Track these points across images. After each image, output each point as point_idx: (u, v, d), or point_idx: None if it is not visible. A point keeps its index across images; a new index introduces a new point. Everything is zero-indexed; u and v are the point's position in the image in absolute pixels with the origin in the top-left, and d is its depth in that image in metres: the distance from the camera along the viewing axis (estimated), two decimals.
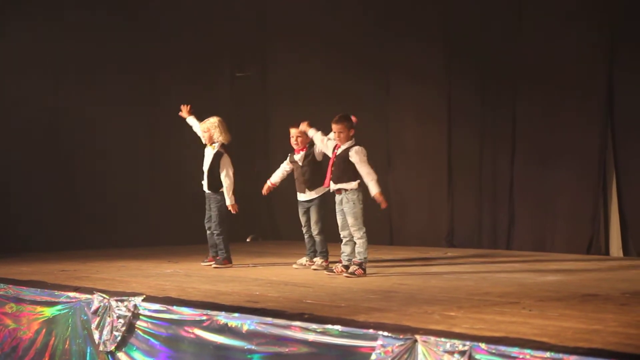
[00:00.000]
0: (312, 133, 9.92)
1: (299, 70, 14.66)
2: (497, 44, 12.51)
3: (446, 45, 13.08)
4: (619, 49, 11.33)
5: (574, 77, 11.70)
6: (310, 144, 10.17)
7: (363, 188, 9.42)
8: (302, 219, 10.33)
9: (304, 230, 10.33)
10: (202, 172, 10.65)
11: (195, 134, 10.92)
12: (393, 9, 13.67)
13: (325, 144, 9.75)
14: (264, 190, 10.72)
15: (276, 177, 10.59)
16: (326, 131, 9.84)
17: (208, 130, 10.57)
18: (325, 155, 9.97)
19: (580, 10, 11.62)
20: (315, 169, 10.17)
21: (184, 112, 11.01)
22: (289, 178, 10.56)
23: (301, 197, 10.30)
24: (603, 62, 11.43)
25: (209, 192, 10.60)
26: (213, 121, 10.60)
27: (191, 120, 10.96)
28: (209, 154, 10.60)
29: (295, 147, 10.29)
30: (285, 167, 10.49)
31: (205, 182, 10.61)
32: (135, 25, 14.18)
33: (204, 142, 10.69)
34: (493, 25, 12.57)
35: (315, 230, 10.16)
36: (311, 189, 10.20)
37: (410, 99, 13.57)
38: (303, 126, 9.98)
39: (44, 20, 13.24)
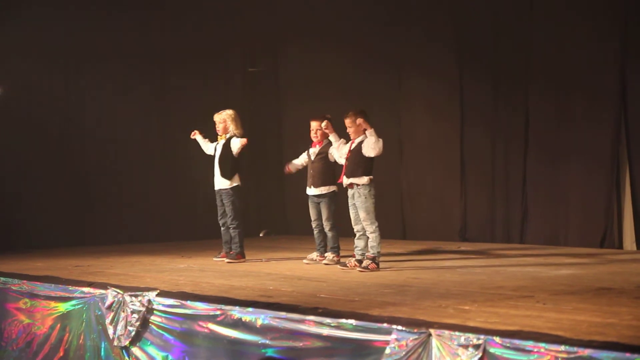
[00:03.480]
0: (332, 137, 9.89)
1: (311, 65, 14.65)
2: (509, 40, 12.48)
3: (458, 42, 13.06)
4: (631, 43, 11.28)
5: (587, 71, 11.65)
6: (328, 141, 10.16)
7: (375, 183, 9.42)
8: (312, 214, 10.33)
9: (314, 225, 10.34)
10: (213, 169, 10.65)
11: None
12: (405, 5, 13.65)
13: (340, 148, 9.76)
14: (285, 169, 10.66)
15: (295, 164, 10.57)
16: (338, 125, 9.85)
17: (224, 121, 10.59)
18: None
19: (592, 6, 11.58)
20: (324, 167, 10.18)
21: (196, 135, 10.97)
22: (301, 171, 10.57)
23: (308, 191, 10.32)
24: (615, 56, 11.38)
25: (220, 187, 10.58)
26: (230, 113, 10.63)
27: (199, 138, 10.94)
28: (219, 146, 10.62)
29: (314, 139, 10.29)
30: (304, 157, 10.47)
31: (217, 173, 10.59)
32: (148, 21, 14.20)
33: (210, 152, 10.73)
34: (504, 21, 12.54)
35: (327, 227, 10.17)
36: (316, 185, 10.21)
37: (422, 94, 13.56)
38: (324, 124, 9.90)
39: (55, 15, 13.24)
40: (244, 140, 10.45)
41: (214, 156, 10.70)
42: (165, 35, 14.32)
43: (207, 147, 10.86)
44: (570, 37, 11.80)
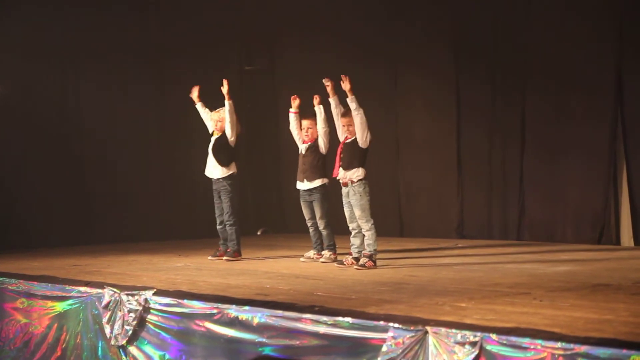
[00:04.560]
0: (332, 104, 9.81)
1: (308, 64, 14.61)
2: (506, 38, 12.46)
3: (455, 39, 13.04)
4: (628, 40, 11.27)
5: (584, 69, 11.64)
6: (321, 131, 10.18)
7: (369, 180, 9.42)
8: (305, 213, 10.33)
9: (309, 224, 10.33)
10: (206, 161, 10.64)
11: (202, 124, 10.88)
12: (402, 3, 13.62)
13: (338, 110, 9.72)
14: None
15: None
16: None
17: (222, 119, 10.56)
18: (329, 148, 10.06)
19: (589, 4, 11.58)
20: (315, 160, 10.19)
21: (194, 94, 10.86)
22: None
23: (299, 185, 10.33)
24: (612, 53, 11.36)
25: (217, 177, 10.54)
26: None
27: (200, 107, 10.87)
28: (213, 139, 10.60)
29: (305, 138, 10.30)
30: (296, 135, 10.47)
31: (211, 163, 10.54)
32: (145, 19, 14.18)
33: (211, 130, 10.71)
34: (502, 18, 12.53)
35: (321, 225, 10.17)
36: (309, 179, 10.21)
37: (418, 92, 13.54)
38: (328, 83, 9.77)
39: (53, 13, 13.23)
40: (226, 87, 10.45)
41: (207, 149, 10.68)
42: (163, 33, 14.29)
43: (206, 116, 10.79)
44: (567, 35, 11.78)
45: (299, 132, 10.40)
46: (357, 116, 9.32)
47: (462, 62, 12.99)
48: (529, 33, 12.20)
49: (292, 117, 10.47)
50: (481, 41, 12.75)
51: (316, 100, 10.12)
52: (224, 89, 10.48)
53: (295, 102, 10.48)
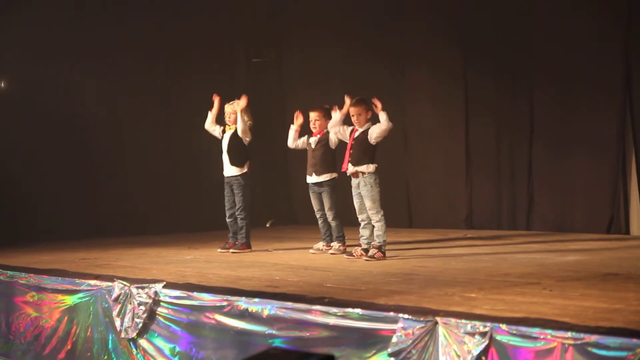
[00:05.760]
0: (336, 116, 9.83)
1: (315, 56, 14.62)
2: (513, 30, 12.42)
3: (461, 32, 13.00)
4: (636, 31, 11.24)
5: (591, 60, 11.60)
6: (327, 130, 10.15)
7: (379, 171, 9.42)
8: (314, 204, 10.34)
9: (318, 215, 10.34)
10: (222, 158, 10.65)
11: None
12: None
13: (342, 129, 9.71)
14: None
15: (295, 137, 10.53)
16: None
17: (236, 112, 10.56)
18: (339, 143, 10.05)
19: None
20: (326, 155, 10.18)
21: (215, 104, 10.82)
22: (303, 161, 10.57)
23: (309, 179, 10.33)
24: (620, 43, 11.32)
25: (231, 175, 10.57)
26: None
27: (210, 118, 10.79)
28: (227, 136, 10.61)
29: (313, 130, 10.30)
30: (303, 139, 10.44)
31: (226, 162, 10.58)
32: (152, 12, 14.18)
33: (219, 136, 10.70)
34: (508, 11, 12.48)
35: (330, 216, 10.17)
36: (318, 173, 10.21)
37: (426, 86, 13.50)
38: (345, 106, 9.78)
39: (57, 7, 13.23)
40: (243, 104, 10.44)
41: (221, 146, 10.68)
42: (169, 26, 14.29)
43: (213, 127, 10.79)
44: (574, 27, 11.73)
45: (296, 143, 10.44)
46: (385, 123, 9.29)
47: (469, 55, 12.95)
48: (536, 26, 12.16)
49: (292, 134, 10.47)
50: (487, 34, 12.71)
51: (335, 110, 9.97)
52: (240, 105, 10.46)
53: (298, 121, 10.46)
